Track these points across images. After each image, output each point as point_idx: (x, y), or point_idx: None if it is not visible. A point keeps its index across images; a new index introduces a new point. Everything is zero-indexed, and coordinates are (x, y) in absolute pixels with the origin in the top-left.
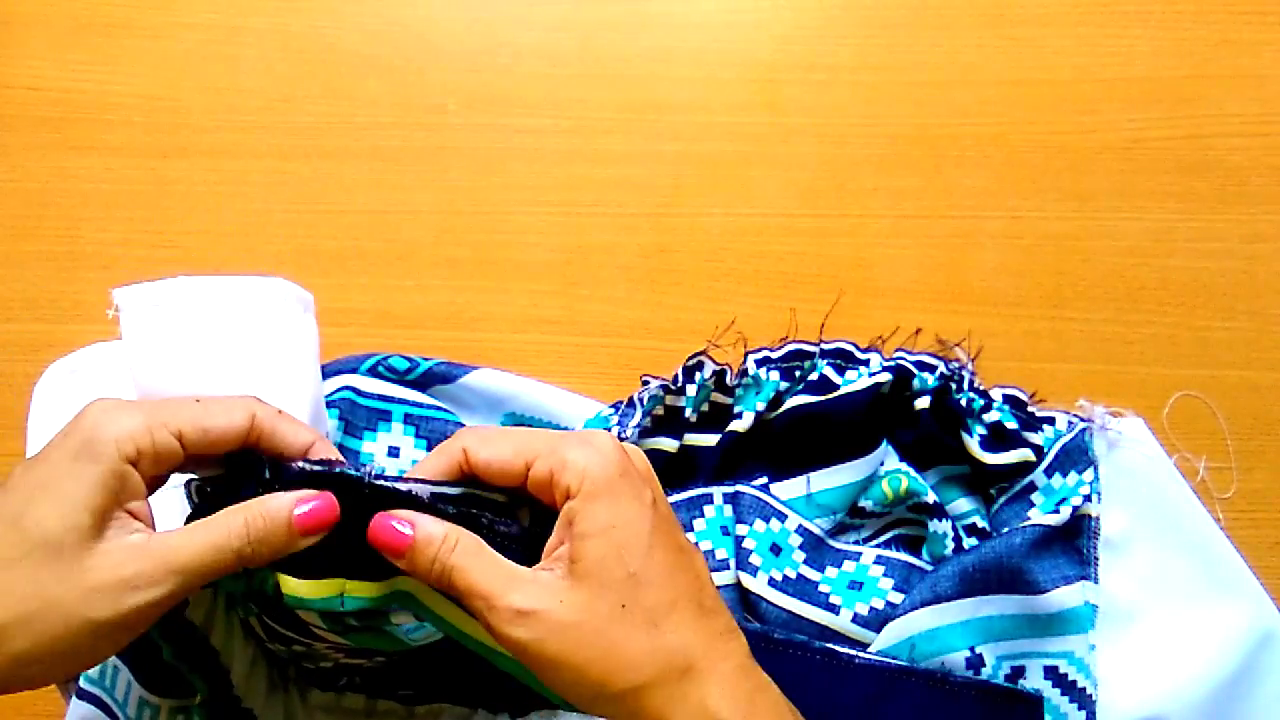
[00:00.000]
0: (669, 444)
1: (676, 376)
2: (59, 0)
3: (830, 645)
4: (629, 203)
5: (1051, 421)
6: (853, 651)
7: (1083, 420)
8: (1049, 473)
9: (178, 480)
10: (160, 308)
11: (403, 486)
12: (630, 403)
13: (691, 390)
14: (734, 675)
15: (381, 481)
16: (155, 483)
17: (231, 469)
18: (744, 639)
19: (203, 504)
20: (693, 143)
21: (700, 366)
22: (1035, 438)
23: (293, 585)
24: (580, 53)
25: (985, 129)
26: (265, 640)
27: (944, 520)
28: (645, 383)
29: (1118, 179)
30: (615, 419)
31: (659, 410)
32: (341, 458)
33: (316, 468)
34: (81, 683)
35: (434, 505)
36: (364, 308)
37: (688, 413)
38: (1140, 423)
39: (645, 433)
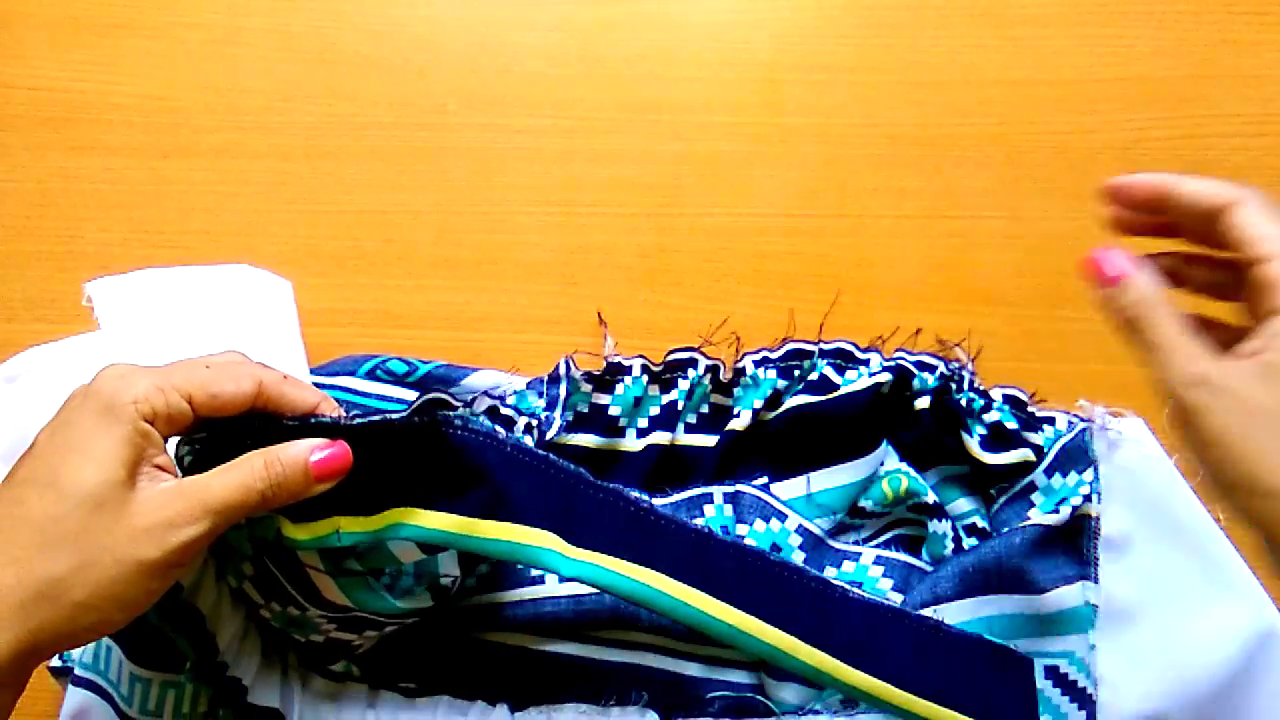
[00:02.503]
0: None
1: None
2: (59, 0)
3: (826, 578)
4: (629, 203)
5: (1051, 421)
6: (844, 585)
7: (1083, 420)
8: (1049, 473)
9: None
10: (136, 296)
11: (376, 419)
12: (553, 377)
13: (684, 385)
14: None
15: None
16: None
17: (242, 429)
18: None
19: (204, 453)
20: (693, 143)
21: (693, 363)
22: (1035, 438)
23: (291, 529)
24: (580, 53)
25: (985, 129)
26: (261, 604)
27: (944, 520)
28: (626, 366)
29: None
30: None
31: (655, 410)
32: (340, 412)
33: (325, 420)
34: (77, 670)
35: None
36: (364, 308)
37: (681, 406)
38: (1140, 423)
39: (568, 426)
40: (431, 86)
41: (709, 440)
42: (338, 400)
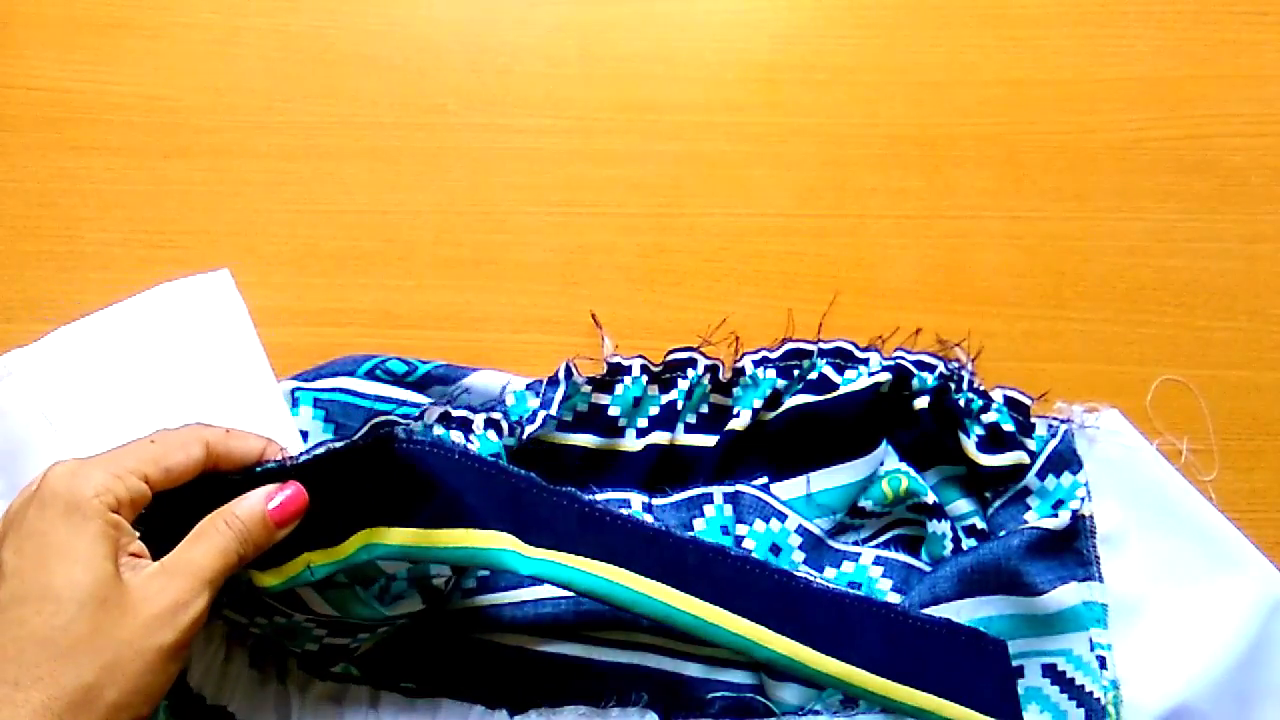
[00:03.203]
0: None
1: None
2: (59, 0)
3: (788, 570)
4: (629, 203)
5: (1035, 428)
6: (810, 575)
7: (1062, 422)
8: (1041, 475)
9: None
10: (63, 363)
11: (322, 450)
12: (553, 380)
13: (683, 384)
14: None
15: (311, 454)
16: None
17: (191, 495)
18: None
19: (154, 526)
20: (693, 143)
21: (692, 363)
22: (1031, 441)
23: (261, 577)
24: (580, 53)
25: (985, 129)
26: (246, 623)
27: (943, 521)
28: (626, 367)
29: (1118, 179)
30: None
31: (654, 410)
32: (288, 450)
33: (271, 466)
34: None
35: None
36: (364, 308)
37: (680, 405)
38: (1116, 413)
39: (564, 426)
40: (431, 86)
41: (709, 440)
42: (338, 402)
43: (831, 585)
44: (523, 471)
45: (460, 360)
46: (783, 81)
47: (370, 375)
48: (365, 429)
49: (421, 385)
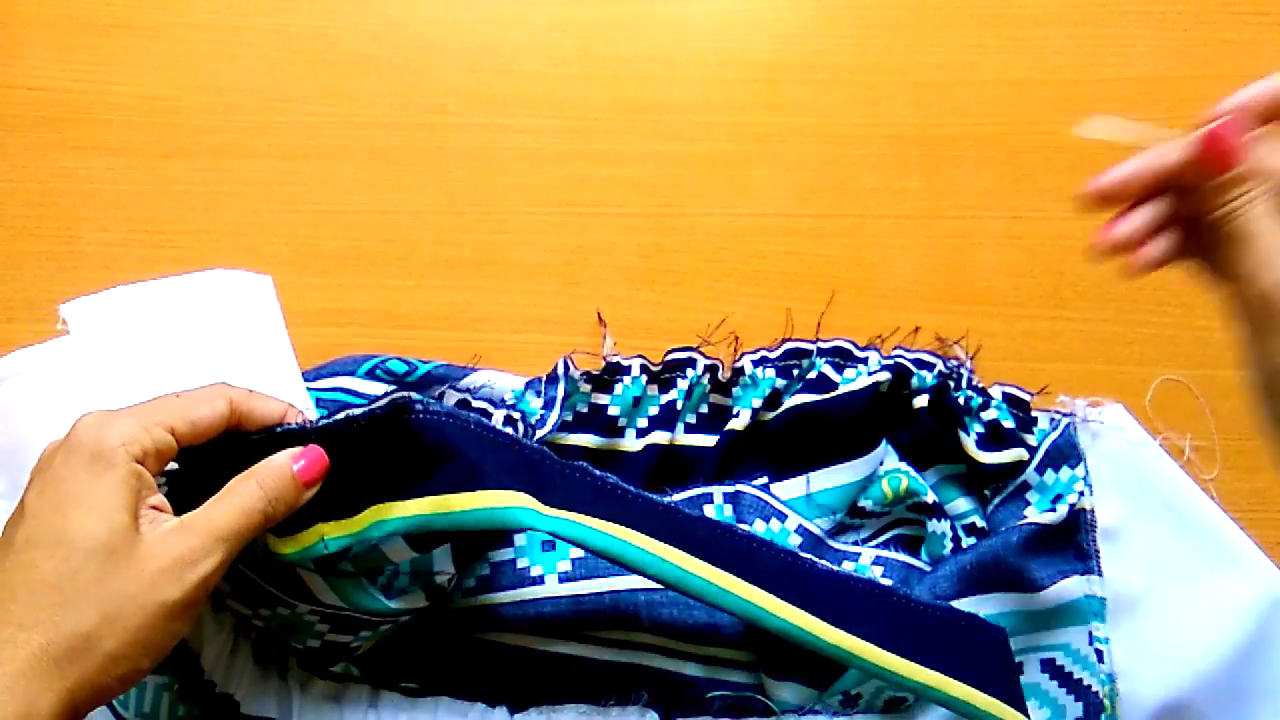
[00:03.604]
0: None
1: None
2: (59, 0)
3: (794, 550)
4: (629, 203)
5: (1036, 422)
6: (814, 558)
7: (1064, 415)
8: (1040, 470)
9: None
10: (113, 314)
11: (341, 416)
12: (552, 377)
13: (683, 384)
14: None
15: (329, 423)
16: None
17: (214, 451)
18: None
19: (180, 483)
20: (693, 143)
21: (692, 363)
22: (1030, 438)
23: (277, 544)
24: (580, 53)
25: (985, 129)
26: (249, 614)
27: (943, 520)
28: (624, 366)
29: None
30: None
31: (654, 410)
32: (308, 415)
33: (293, 428)
34: None
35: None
36: (364, 308)
37: (680, 406)
38: (1121, 409)
39: (565, 426)
40: (431, 86)
41: (709, 440)
42: (338, 401)
43: (836, 568)
44: (538, 445)
45: (460, 360)
46: (783, 81)
47: (370, 375)
48: (384, 399)
49: (422, 385)
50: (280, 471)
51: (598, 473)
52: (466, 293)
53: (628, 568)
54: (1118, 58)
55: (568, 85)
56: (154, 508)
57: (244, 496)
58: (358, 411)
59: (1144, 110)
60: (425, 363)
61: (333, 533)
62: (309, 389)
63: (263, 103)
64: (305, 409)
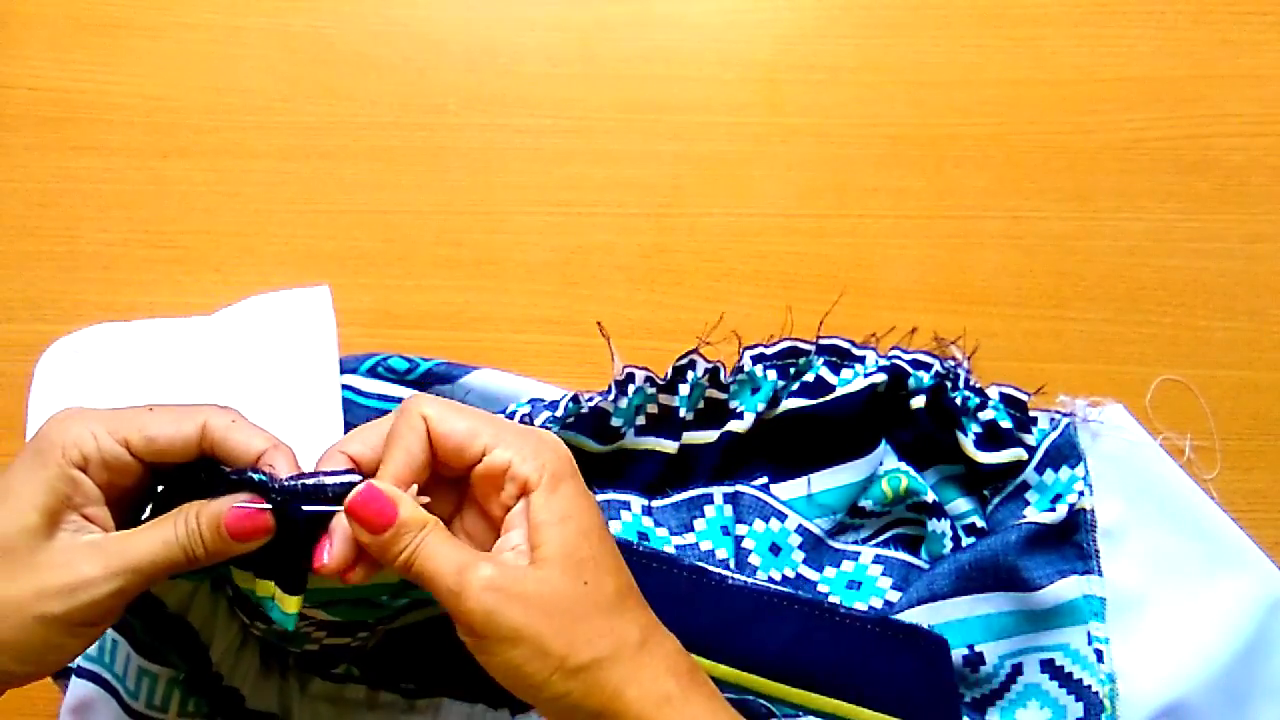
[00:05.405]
0: (669, 445)
1: (667, 374)
2: (59, 0)
3: (701, 564)
4: (629, 203)
5: (1035, 422)
6: (724, 572)
7: (1064, 415)
8: (1040, 469)
9: None
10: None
11: (310, 481)
12: (619, 391)
13: (684, 389)
14: (675, 654)
15: (288, 483)
16: (119, 491)
17: (184, 477)
18: (674, 639)
19: (157, 505)
20: (693, 143)
21: (692, 365)
22: (1029, 437)
23: (236, 574)
24: (580, 53)
25: (985, 129)
26: (247, 623)
27: (943, 520)
28: (630, 376)
29: (1118, 179)
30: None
31: (653, 409)
32: (291, 463)
33: (233, 475)
34: (81, 661)
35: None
36: (364, 308)
37: (682, 412)
38: (1121, 409)
39: (641, 430)
40: (431, 86)
41: (708, 436)
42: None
43: (752, 582)
44: None
45: (460, 360)
46: (783, 81)
47: (372, 373)
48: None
49: (423, 383)
50: (212, 519)
51: None
52: (466, 293)
53: None
54: (1118, 58)
55: (568, 85)
56: (86, 516)
57: (167, 531)
58: (331, 480)
59: (1144, 110)
60: (426, 360)
61: (280, 603)
62: None
63: (263, 103)
64: (333, 431)
